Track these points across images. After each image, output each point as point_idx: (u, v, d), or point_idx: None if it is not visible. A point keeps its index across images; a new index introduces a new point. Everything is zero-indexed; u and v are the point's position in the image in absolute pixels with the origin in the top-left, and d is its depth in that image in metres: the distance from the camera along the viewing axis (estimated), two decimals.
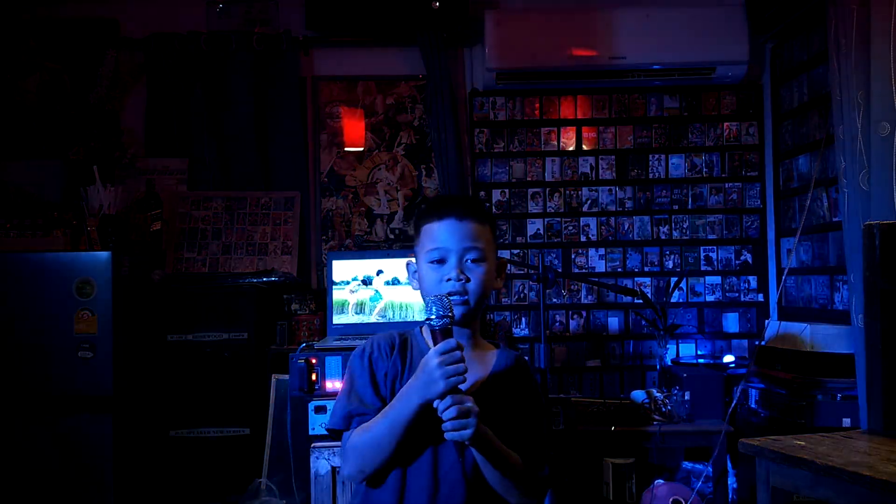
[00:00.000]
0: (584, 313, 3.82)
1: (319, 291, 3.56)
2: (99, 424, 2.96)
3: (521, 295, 3.83)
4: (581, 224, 3.84)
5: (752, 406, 3.20)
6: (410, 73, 3.84)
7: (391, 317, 2.91)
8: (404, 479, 1.44)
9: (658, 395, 3.03)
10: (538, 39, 3.60)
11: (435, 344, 1.36)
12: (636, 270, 3.83)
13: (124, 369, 3.05)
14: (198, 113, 3.73)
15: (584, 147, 3.85)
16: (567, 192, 3.84)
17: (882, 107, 2.40)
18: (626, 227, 3.84)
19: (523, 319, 3.82)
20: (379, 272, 2.93)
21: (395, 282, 2.91)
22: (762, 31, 3.64)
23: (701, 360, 3.61)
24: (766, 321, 3.49)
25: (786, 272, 3.46)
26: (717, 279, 3.82)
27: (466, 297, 1.46)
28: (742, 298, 3.82)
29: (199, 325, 3.27)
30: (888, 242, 2.09)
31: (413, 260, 1.57)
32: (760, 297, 3.81)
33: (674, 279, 3.71)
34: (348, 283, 2.92)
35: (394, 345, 1.52)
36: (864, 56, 2.47)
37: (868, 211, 2.44)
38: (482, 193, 3.82)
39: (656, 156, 3.85)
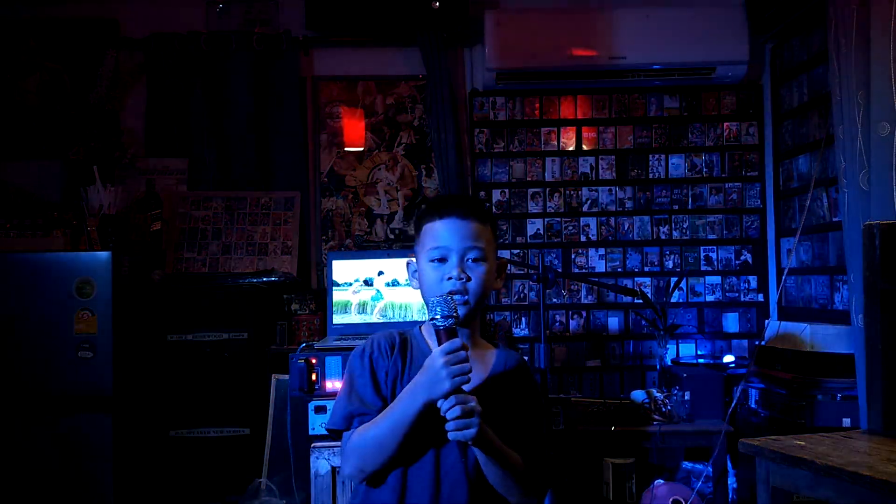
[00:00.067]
0: (584, 313, 3.83)
1: (319, 291, 3.56)
2: (99, 424, 2.97)
3: (521, 295, 3.83)
4: (581, 224, 3.84)
5: (752, 406, 3.20)
6: (410, 73, 3.84)
7: (391, 316, 2.91)
8: (405, 478, 1.44)
9: (658, 395, 3.03)
10: (538, 39, 3.60)
11: (439, 343, 1.36)
12: (636, 270, 3.83)
13: (124, 369, 3.05)
14: (198, 113, 3.73)
15: (584, 147, 3.85)
16: (567, 192, 3.84)
17: (882, 107, 2.40)
18: (626, 227, 3.84)
19: (523, 319, 3.82)
20: (380, 273, 2.93)
21: (395, 283, 2.91)
22: (762, 31, 3.64)
23: (701, 360, 3.61)
24: (766, 321, 3.49)
25: (786, 272, 3.46)
26: (717, 279, 3.82)
27: (467, 297, 1.46)
28: (742, 298, 3.82)
29: (199, 325, 3.27)
30: (888, 242, 2.08)
31: (413, 259, 1.57)
32: (760, 297, 3.81)
33: (674, 279, 3.71)
34: (350, 284, 2.92)
35: (394, 344, 1.52)
36: (864, 56, 2.47)
37: (868, 211, 2.44)
38: (482, 193, 3.82)
39: (656, 156, 3.85)
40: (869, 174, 2.45)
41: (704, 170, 3.85)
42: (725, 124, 3.85)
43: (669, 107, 3.86)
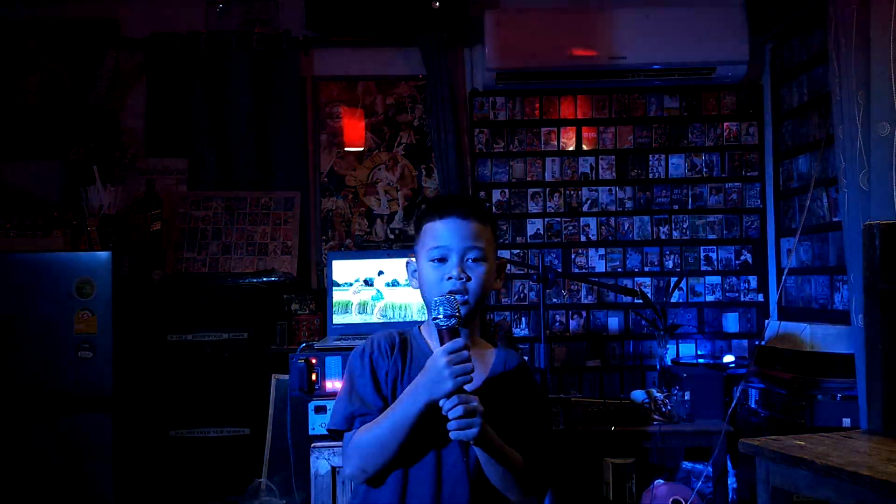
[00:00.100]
0: (584, 313, 3.83)
1: (319, 291, 3.56)
2: (99, 424, 2.97)
3: (521, 295, 3.83)
4: (581, 224, 3.84)
5: (752, 406, 3.20)
6: (410, 73, 3.84)
7: (391, 316, 2.91)
8: (406, 478, 1.44)
9: (658, 395, 3.03)
10: (538, 39, 3.60)
11: (441, 343, 1.36)
12: (636, 270, 3.83)
13: (124, 369, 3.05)
14: (198, 113, 3.73)
15: (584, 147, 3.85)
16: (567, 192, 3.84)
17: (882, 107, 2.40)
18: (626, 227, 3.84)
19: (523, 319, 3.82)
20: (380, 273, 2.93)
21: (395, 283, 2.91)
22: (762, 31, 3.64)
23: (701, 360, 3.61)
24: (766, 321, 3.49)
25: (786, 272, 3.46)
26: (717, 279, 3.82)
27: (467, 297, 1.46)
28: (742, 298, 3.82)
29: (199, 325, 3.27)
30: (888, 242, 2.09)
31: (413, 259, 1.57)
32: (760, 297, 3.81)
33: (674, 279, 3.71)
34: (350, 284, 2.92)
35: (394, 344, 1.52)
36: (864, 56, 2.47)
37: (868, 211, 2.44)
38: (482, 193, 3.82)
39: (656, 156, 3.85)
40: (869, 174, 2.45)
41: (704, 170, 3.85)
42: (725, 124, 3.85)
43: (669, 107, 3.86)
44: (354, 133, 3.85)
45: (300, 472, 2.75)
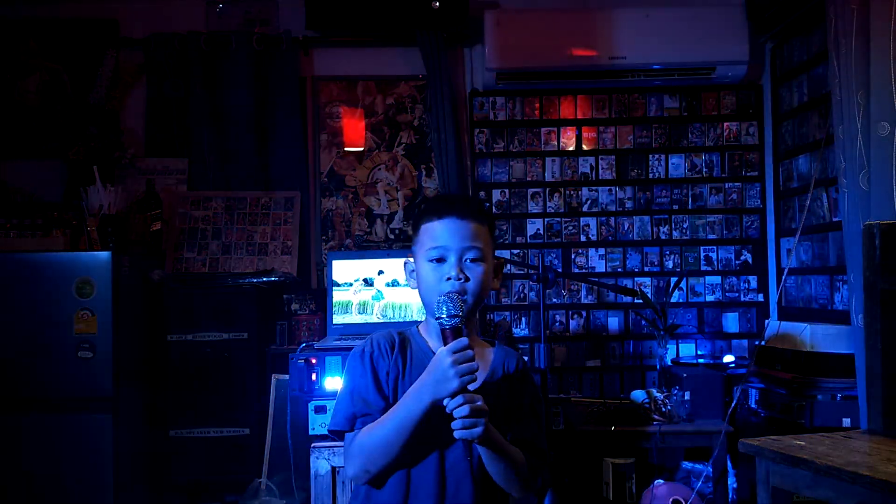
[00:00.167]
0: (584, 313, 3.83)
1: (319, 291, 3.56)
2: (99, 424, 2.96)
3: (521, 295, 3.83)
4: (581, 224, 3.84)
5: (752, 406, 3.20)
6: (410, 73, 3.84)
7: (391, 316, 2.91)
8: (408, 478, 1.45)
9: (658, 395, 3.03)
10: (538, 39, 3.60)
11: (445, 343, 1.36)
12: (636, 270, 3.83)
13: (124, 369, 3.05)
14: (198, 113, 3.73)
15: (584, 147, 3.85)
16: (567, 192, 3.84)
17: (882, 107, 2.40)
18: (626, 227, 3.84)
19: (523, 319, 3.82)
20: (380, 273, 2.93)
21: (395, 283, 2.91)
22: (762, 31, 3.64)
23: (701, 360, 3.61)
24: (766, 321, 3.49)
25: (786, 272, 3.46)
26: (717, 279, 3.82)
27: (465, 297, 1.46)
28: (742, 298, 3.82)
29: (199, 325, 3.27)
30: (888, 242, 2.09)
31: (411, 259, 1.57)
32: (760, 297, 3.81)
33: (674, 279, 3.71)
34: (350, 284, 2.92)
35: (394, 344, 1.52)
36: (864, 56, 2.47)
37: (868, 211, 2.44)
38: (482, 193, 3.82)
39: (656, 156, 3.85)
40: (869, 174, 2.45)
41: (704, 170, 3.85)
42: (725, 124, 3.85)
43: (669, 107, 3.86)
44: (354, 133, 3.85)
45: (300, 472, 2.75)
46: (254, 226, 3.69)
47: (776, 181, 3.78)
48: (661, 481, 2.95)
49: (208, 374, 3.25)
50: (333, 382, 2.57)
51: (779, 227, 3.76)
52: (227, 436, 3.25)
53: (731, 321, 3.82)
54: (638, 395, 3.12)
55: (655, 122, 3.85)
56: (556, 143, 3.85)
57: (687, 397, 3.00)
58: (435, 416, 1.36)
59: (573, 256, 3.83)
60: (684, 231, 3.84)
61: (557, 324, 3.82)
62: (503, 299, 3.82)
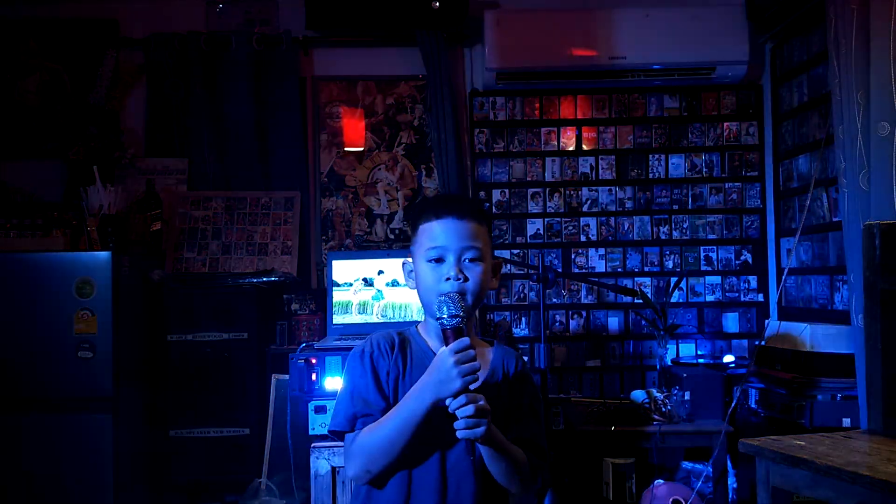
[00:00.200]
0: (584, 313, 3.82)
1: (319, 291, 3.56)
2: (99, 424, 2.96)
3: (521, 295, 3.83)
4: (581, 224, 3.84)
5: (752, 406, 3.20)
6: (410, 73, 3.84)
7: (391, 316, 2.91)
8: (410, 479, 1.44)
9: (658, 395, 3.03)
10: (538, 39, 3.60)
11: (446, 343, 1.36)
12: (636, 270, 3.83)
13: (124, 369, 3.05)
14: (198, 113, 3.73)
15: (584, 147, 3.85)
16: (567, 192, 3.84)
17: (882, 107, 2.40)
18: (626, 227, 3.84)
19: (523, 319, 3.82)
20: (380, 272, 2.93)
21: (395, 283, 2.91)
22: (762, 31, 3.65)
23: (701, 360, 3.61)
24: (766, 321, 3.49)
25: (786, 272, 3.46)
26: (717, 279, 3.82)
27: (465, 297, 1.46)
28: (742, 298, 3.82)
29: (199, 325, 3.27)
30: (888, 242, 2.09)
31: (409, 260, 1.57)
32: (760, 297, 3.81)
33: (674, 279, 3.71)
34: (350, 284, 2.92)
35: (393, 344, 1.52)
36: (864, 56, 2.47)
37: (868, 211, 2.44)
38: (482, 193, 3.82)
39: (656, 156, 3.85)
40: (869, 174, 2.45)
41: (704, 170, 3.85)
42: (725, 124, 3.85)
43: (669, 107, 3.86)
44: (354, 133, 3.85)
45: (300, 472, 2.75)
46: (254, 226, 3.69)
47: (776, 181, 3.78)
48: (661, 481, 2.95)
49: (208, 374, 3.25)
50: (333, 382, 2.57)
51: (779, 227, 3.76)
52: (227, 436, 3.25)
53: (731, 321, 3.82)
54: (638, 395, 3.12)
55: (655, 122, 3.85)
56: (556, 143, 3.85)
57: (687, 397, 3.00)
58: (436, 416, 1.36)
59: (573, 256, 3.83)
60: (684, 231, 3.84)
61: (557, 324, 3.82)
62: (503, 299, 3.82)
